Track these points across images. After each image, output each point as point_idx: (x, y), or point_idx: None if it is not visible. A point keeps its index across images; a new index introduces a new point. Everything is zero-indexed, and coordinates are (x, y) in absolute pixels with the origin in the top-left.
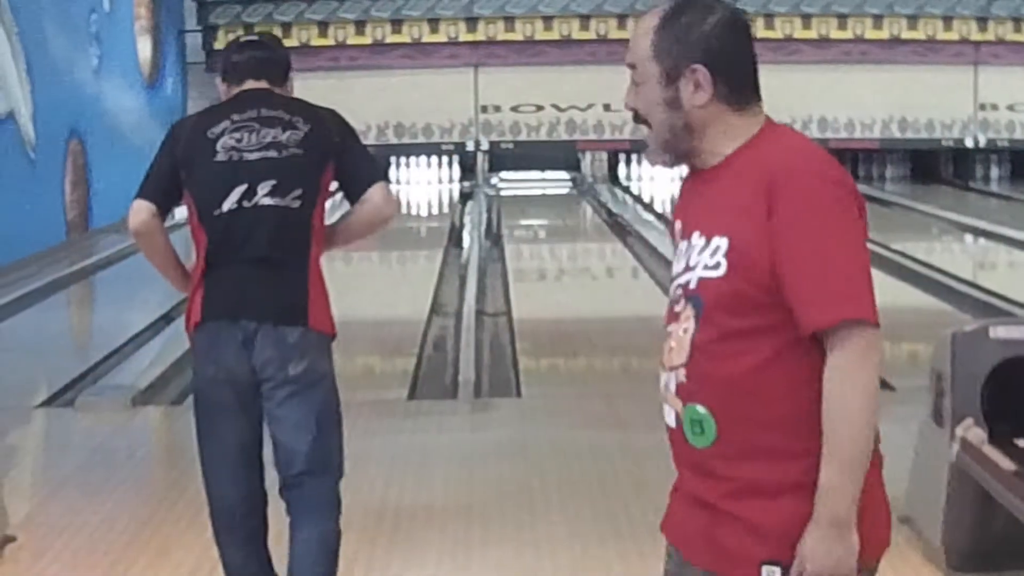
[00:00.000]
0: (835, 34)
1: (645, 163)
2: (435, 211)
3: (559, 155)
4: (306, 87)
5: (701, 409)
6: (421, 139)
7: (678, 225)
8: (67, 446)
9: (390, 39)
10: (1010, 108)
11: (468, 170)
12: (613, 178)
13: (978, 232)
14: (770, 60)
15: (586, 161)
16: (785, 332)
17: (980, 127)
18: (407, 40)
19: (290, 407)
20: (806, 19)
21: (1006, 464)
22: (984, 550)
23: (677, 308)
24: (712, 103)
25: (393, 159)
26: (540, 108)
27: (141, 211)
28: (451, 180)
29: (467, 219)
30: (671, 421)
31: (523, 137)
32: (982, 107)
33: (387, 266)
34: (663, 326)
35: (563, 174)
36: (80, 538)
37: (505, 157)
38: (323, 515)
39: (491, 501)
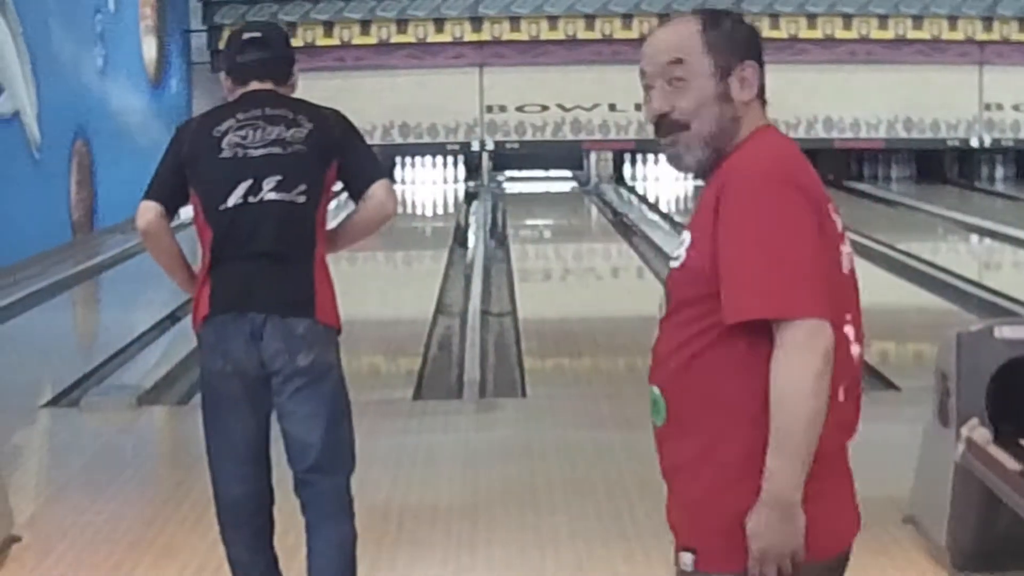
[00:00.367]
0: (840, 34)
1: (651, 163)
2: (440, 211)
3: (564, 155)
4: (311, 87)
5: (655, 390)
6: (426, 139)
7: None
8: (72, 446)
9: (395, 39)
10: (1015, 108)
11: (473, 170)
12: (618, 178)
13: (983, 232)
14: (775, 60)
15: (591, 161)
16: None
17: (985, 127)
18: (412, 40)
19: (300, 400)
20: (811, 19)
21: (1011, 464)
22: (989, 550)
23: None
24: (755, 100)
25: (398, 159)
26: (545, 108)
27: (148, 211)
28: (456, 180)
29: (472, 219)
30: None
31: (528, 137)
32: (987, 107)
33: (392, 266)
34: None
35: (568, 174)
36: (85, 538)
37: (510, 157)
38: (340, 518)
39: (496, 501)
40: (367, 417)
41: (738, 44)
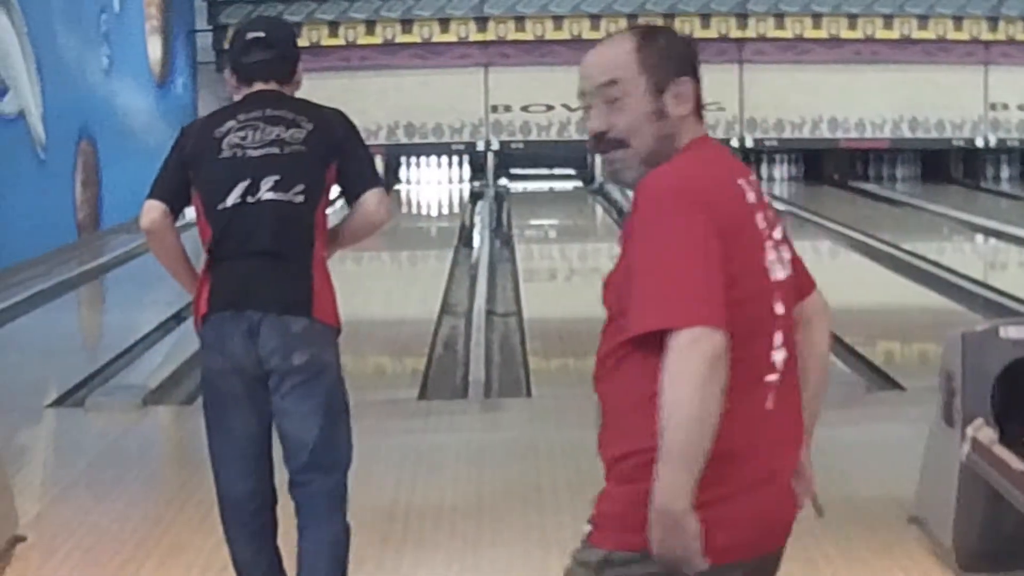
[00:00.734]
0: (845, 34)
1: None
2: (445, 211)
3: (570, 155)
4: (316, 87)
5: (595, 394)
6: (431, 139)
7: None
8: (77, 446)
9: (400, 39)
10: (1021, 108)
11: (478, 170)
12: None
13: (988, 232)
14: (780, 60)
15: (596, 161)
16: None
17: (990, 127)
18: (417, 40)
19: (296, 398)
20: (816, 19)
21: (1017, 464)
22: (994, 550)
23: None
24: (691, 114)
25: (403, 159)
26: (550, 108)
27: (152, 211)
28: (461, 180)
29: (477, 219)
30: None
31: (533, 137)
32: (992, 107)
33: (397, 266)
34: None
35: (573, 173)
36: (90, 538)
37: (515, 157)
38: (332, 516)
39: (501, 501)
40: (372, 417)
41: (672, 60)
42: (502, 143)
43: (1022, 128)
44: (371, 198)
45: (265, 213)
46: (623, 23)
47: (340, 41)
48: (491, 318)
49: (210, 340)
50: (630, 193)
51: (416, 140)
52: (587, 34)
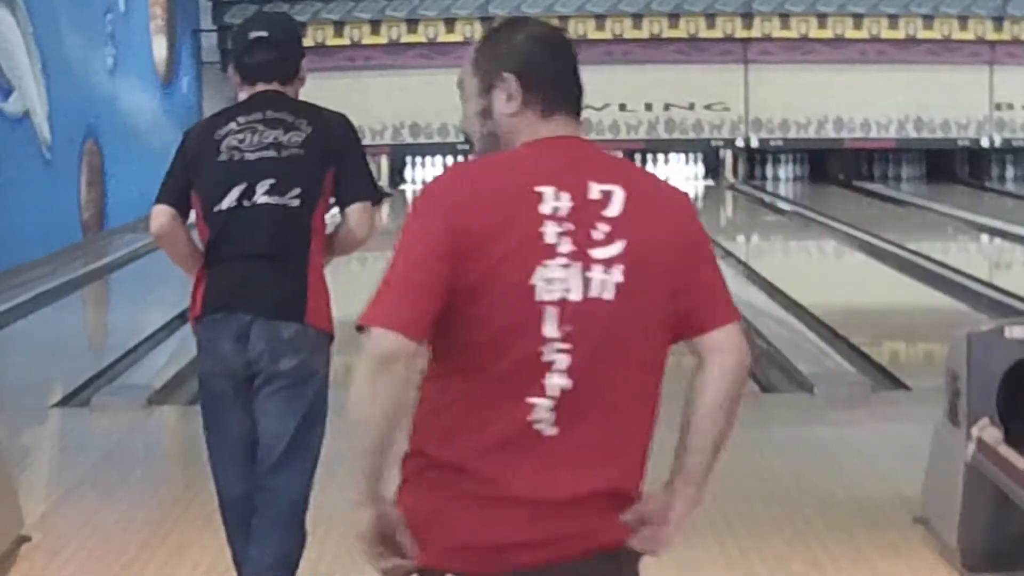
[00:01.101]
0: (851, 34)
1: (660, 163)
2: None
3: None
4: (322, 87)
5: None
6: (437, 139)
7: None
8: (83, 446)
9: (406, 39)
10: None
11: None
12: None
13: (994, 232)
14: (786, 60)
15: None
16: None
17: (996, 127)
18: (423, 40)
19: (277, 400)
20: (822, 18)
21: (1022, 464)
22: (1000, 550)
23: None
24: (522, 112)
25: (409, 159)
26: None
27: (160, 215)
28: None
29: None
30: None
31: None
32: (998, 107)
33: None
34: None
35: None
36: (96, 538)
37: None
38: (291, 528)
39: None
40: None
41: (500, 57)
42: None
43: None
44: (354, 214)
45: (260, 217)
46: (628, 23)
47: (345, 41)
48: None
49: (203, 342)
50: None
51: (421, 140)
52: (592, 34)
